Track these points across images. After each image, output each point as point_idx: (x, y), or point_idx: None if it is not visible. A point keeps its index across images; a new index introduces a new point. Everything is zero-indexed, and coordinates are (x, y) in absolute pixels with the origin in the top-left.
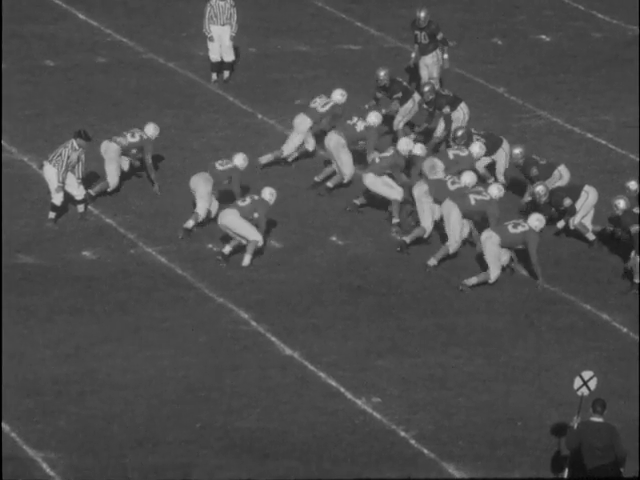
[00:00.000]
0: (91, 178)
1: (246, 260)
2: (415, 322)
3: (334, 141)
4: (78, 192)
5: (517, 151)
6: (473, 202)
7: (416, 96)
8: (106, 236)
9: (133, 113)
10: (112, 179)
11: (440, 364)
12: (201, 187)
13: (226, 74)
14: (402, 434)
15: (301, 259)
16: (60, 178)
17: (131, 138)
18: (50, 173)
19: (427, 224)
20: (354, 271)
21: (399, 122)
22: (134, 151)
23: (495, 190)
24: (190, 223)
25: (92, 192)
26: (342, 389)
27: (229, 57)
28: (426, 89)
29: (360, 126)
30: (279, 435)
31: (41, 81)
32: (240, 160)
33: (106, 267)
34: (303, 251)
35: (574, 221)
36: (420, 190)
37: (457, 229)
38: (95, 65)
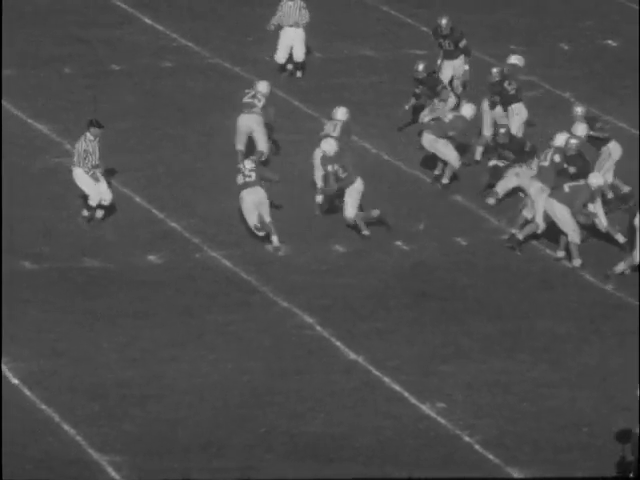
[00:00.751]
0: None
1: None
2: (479, 327)
3: (427, 140)
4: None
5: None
6: (567, 190)
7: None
8: (171, 240)
9: (198, 117)
10: (263, 145)
11: (504, 369)
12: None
13: (298, 73)
14: (466, 439)
15: (366, 264)
16: (90, 172)
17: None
18: (78, 175)
19: (540, 220)
20: (419, 276)
21: (424, 116)
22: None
23: (593, 179)
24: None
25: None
26: (406, 394)
27: (300, 58)
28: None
29: (449, 116)
30: (343, 439)
31: (106, 86)
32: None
33: (171, 271)
34: (368, 256)
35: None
36: (536, 187)
37: (570, 221)
38: (161, 69)
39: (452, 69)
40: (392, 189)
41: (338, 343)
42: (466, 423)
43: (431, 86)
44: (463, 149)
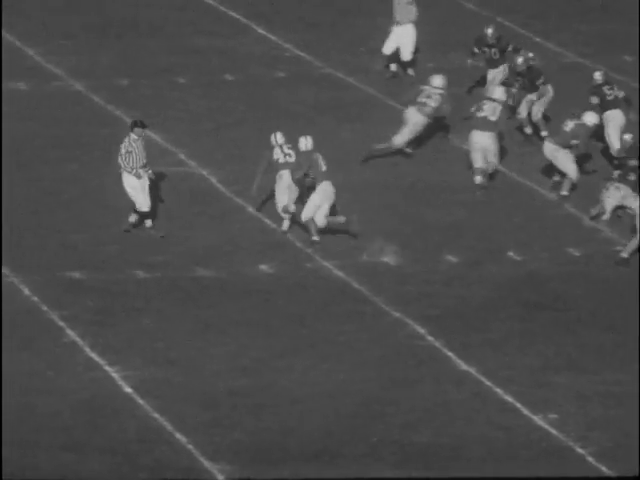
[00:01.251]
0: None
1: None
2: (592, 338)
3: (548, 149)
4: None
5: (627, 137)
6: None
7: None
8: (283, 250)
9: (311, 127)
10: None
11: (618, 381)
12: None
13: (410, 71)
14: (579, 451)
15: (478, 274)
16: (134, 171)
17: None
18: (128, 180)
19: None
20: (531, 287)
21: (538, 111)
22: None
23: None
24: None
25: None
26: (518, 405)
27: (407, 56)
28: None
29: (570, 125)
30: (454, 450)
31: (220, 95)
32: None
33: (283, 281)
34: (480, 266)
35: None
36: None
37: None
38: (274, 79)
39: (493, 77)
40: (505, 199)
41: (450, 353)
42: (578, 435)
43: (531, 79)
44: (583, 159)
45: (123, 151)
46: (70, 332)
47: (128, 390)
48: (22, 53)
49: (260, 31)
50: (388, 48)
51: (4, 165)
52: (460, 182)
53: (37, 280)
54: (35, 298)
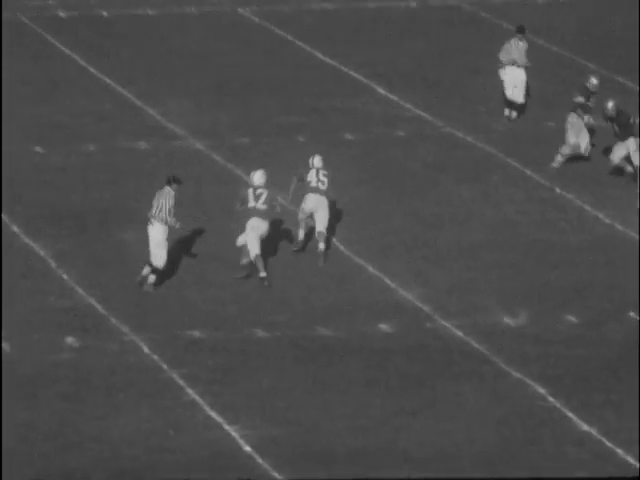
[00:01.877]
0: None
1: None
2: None
3: None
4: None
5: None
6: None
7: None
8: (402, 309)
9: (431, 186)
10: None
11: None
12: None
13: (514, 114)
14: None
15: (598, 334)
16: (167, 228)
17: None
18: (156, 230)
19: None
20: None
21: (617, 156)
22: None
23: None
24: None
25: None
26: None
27: (520, 99)
28: (610, 105)
29: None
30: None
31: (340, 154)
32: None
33: (402, 340)
34: (600, 326)
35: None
36: None
37: None
38: (394, 138)
39: (625, 149)
40: (625, 259)
41: (570, 414)
42: None
43: (622, 124)
44: None
45: (166, 207)
46: (190, 391)
47: (247, 449)
48: (143, 112)
49: (380, 91)
50: (509, 91)
51: (123, 223)
52: (580, 242)
53: (157, 338)
54: (155, 356)
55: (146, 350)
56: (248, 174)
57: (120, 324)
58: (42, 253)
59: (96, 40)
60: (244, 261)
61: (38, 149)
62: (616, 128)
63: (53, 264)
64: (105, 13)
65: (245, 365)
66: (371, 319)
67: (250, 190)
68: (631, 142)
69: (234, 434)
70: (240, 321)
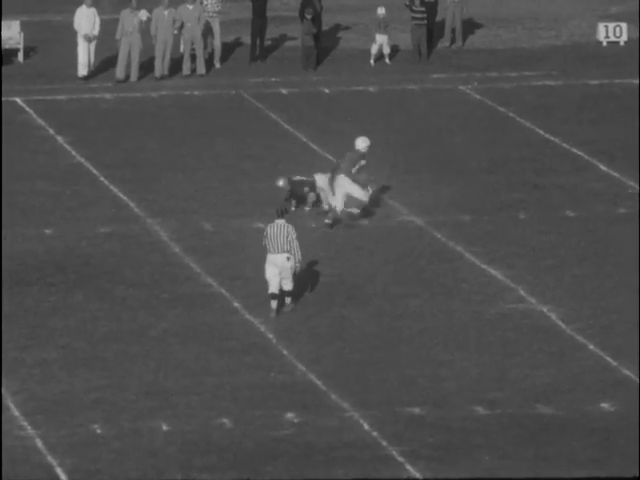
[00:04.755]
0: None
1: None
2: None
3: None
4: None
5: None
6: None
7: None
8: (625, 388)
9: None
10: None
11: None
12: None
13: None
14: None
15: None
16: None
17: None
18: (283, 262)
19: None
20: None
21: None
22: None
23: None
24: None
25: None
26: None
27: None
28: None
29: None
30: None
31: (561, 231)
32: None
33: (624, 420)
34: None
35: None
36: None
37: None
38: (616, 216)
39: None
40: None
41: None
42: None
43: None
44: None
45: (294, 244)
46: (409, 467)
47: None
48: None
49: (602, 168)
50: None
51: (342, 299)
52: None
53: (377, 415)
54: (375, 433)
55: (366, 427)
56: (469, 251)
57: (340, 400)
58: (262, 328)
59: (319, 117)
60: None
61: None
62: None
63: (274, 340)
64: (327, 90)
65: (466, 443)
66: (592, 398)
67: None
68: None
69: None
70: (460, 398)
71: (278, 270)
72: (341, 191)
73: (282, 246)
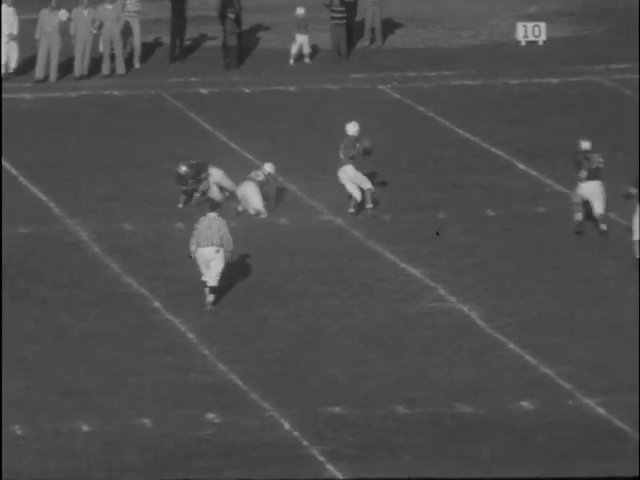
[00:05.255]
0: None
1: None
2: None
3: None
4: None
5: None
6: None
7: None
8: (544, 386)
9: (573, 263)
10: None
11: None
12: None
13: None
14: None
15: None
16: None
17: None
18: (212, 255)
19: None
20: None
21: None
22: None
23: None
24: None
25: None
26: None
27: None
28: None
29: None
30: None
31: (481, 231)
32: None
33: (544, 418)
34: None
35: None
36: None
37: None
38: (535, 215)
39: None
40: None
41: None
42: None
43: None
44: None
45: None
46: (330, 467)
47: None
48: (284, 188)
49: (520, 166)
50: None
51: (264, 299)
52: None
53: (298, 414)
54: (295, 433)
55: (287, 426)
56: (389, 250)
57: (261, 400)
58: (183, 328)
59: (239, 117)
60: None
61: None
62: None
63: (195, 339)
64: (247, 90)
65: (386, 442)
66: (512, 396)
67: None
68: None
69: None
70: (380, 397)
71: (208, 262)
72: (351, 180)
73: (212, 239)
